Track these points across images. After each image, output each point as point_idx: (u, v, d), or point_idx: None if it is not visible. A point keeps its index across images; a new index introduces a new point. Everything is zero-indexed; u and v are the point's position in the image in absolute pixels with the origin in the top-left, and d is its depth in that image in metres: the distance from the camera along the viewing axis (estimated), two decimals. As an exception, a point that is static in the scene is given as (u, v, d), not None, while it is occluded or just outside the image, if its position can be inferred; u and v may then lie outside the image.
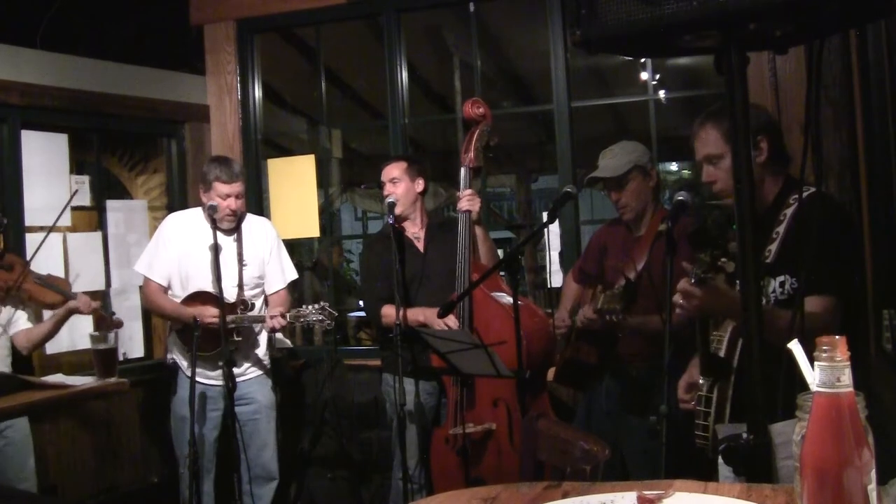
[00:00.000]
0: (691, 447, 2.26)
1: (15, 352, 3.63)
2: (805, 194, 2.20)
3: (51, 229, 3.73)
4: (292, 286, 4.14)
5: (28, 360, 3.95)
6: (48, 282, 3.58)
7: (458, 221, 3.56)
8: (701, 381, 2.26)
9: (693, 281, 2.05)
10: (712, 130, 2.29)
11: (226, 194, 3.67)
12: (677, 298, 2.12)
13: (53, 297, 3.54)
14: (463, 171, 3.58)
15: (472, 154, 3.58)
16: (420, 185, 3.79)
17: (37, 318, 3.65)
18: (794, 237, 2.16)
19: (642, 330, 3.05)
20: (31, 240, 4.00)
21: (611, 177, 3.21)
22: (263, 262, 3.85)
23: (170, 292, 3.77)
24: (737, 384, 2.18)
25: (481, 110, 3.62)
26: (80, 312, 3.56)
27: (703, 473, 2.06)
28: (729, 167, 2.23)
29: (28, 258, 3.63)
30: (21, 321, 3.57)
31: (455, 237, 3.54)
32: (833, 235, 2.14)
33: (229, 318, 3.56)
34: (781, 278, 2.16)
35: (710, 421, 2.19)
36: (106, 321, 3.68)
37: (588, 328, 3.15)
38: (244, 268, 3.73)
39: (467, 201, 3.53)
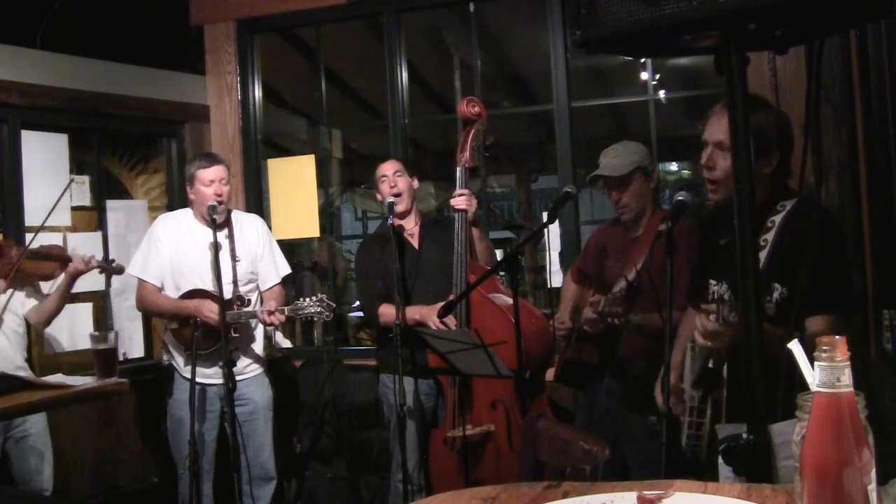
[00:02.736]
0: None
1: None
2: (791, 203, 2.19)
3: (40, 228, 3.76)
4: (290, 286, 4.14)
5: (28, 360, 3.96)
6: (41, 253, 3.61)
7: (453, 219, 3.56)
8: (692, 393, 2.26)
9: (720, 321, 2.01)
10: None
11: (209, 180, 3.66)
12: (700, 338, 2.10)
13: (49, 266, 3.59)
14: (458, 170, 3.57)
15: (467, 154, 3.57)
16: (415, 182, 3.83)
17: (36, 291, 3.70)
18: (784, 246, 2.14)
19: (644, 328, 3.05)
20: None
21: (613, 176, 3.20)
22: (256, 257, 3.86)
23: (163, 293, 3.77)
24: (730, 392, 2.17)
25: (476, 109, 3.62)
26: (82, 272, 3.60)
27: (701, 474, 2.06)
28: None
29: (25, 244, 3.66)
30: (22, 299, 3.63)
31: (450, 233, 3.54)
32: (828, 249, 2.10)
33: (227, 314, 3.56)
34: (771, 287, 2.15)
35: (704, 430, 2.19)
36: (108, 270, 3.74)
37: (591, 330, 3.15)
38: (237, 264, 3.73)
39: (464, 200, 3.52)
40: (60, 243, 4.22)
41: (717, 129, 2.28)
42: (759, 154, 2.17)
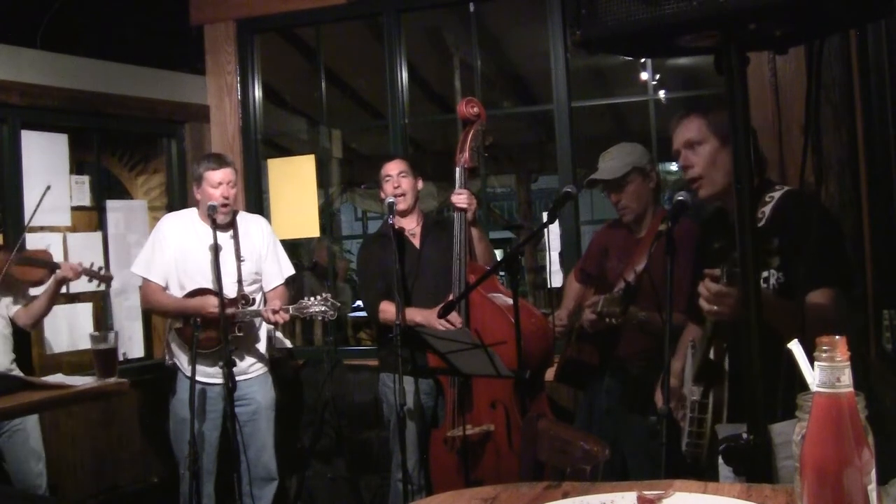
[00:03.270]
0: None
1: (17, 345, 3.67)
2: (779, 193, 2.23)
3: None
4: (292, 285, 4.15)
5: (28, 359, 3.96)
6: (30, 258, 3.63)
7: (453, 220, 3.56)
8: (692, 388, 2.26)
9: (724, 281, 1.95)
10: (695, 119, 2.31)
11: (217, 182, 3.66)
12: (705, 304, 2.04)
13: (38, 272, 3.60)
14: (458, 171, 3.58)
15: (466, 154, 3.57)
16: (419, 183, 3.83)
17: (23, 295, 3.69)
18: (776, 233, 2.16)
19: (646, 327, 3.05)
20: (31, 240, 4.01)
21: (610, 179, 3.21)
22: (261, 257, 3.86)
23: (168, 292, 3.77)
24: (731, 387, 2.17)
25: (475, 109, 3.62)
26: (69, 279, 3.60)
27: (701, 474, 2.06)
28: (708, 153, 2.26)
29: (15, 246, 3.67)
30: (7, 303, 3.62)
31: (450, 234, 3.54)
32: (824, 230, 2.14)
33: (230, 311, 3.57)
34: (765, 273, 2.16)
35: (705, 427, 2.19)
36: (97, 277, 3.72)
37: (591, 329, 3.16)
38: (242, 263, 3.74)
39: (464, 199, 3.52)
40: (60, 243, 4.23)
41: (682, 133, 2.34)
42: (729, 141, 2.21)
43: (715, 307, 2.02)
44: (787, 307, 1.96)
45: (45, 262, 3.63)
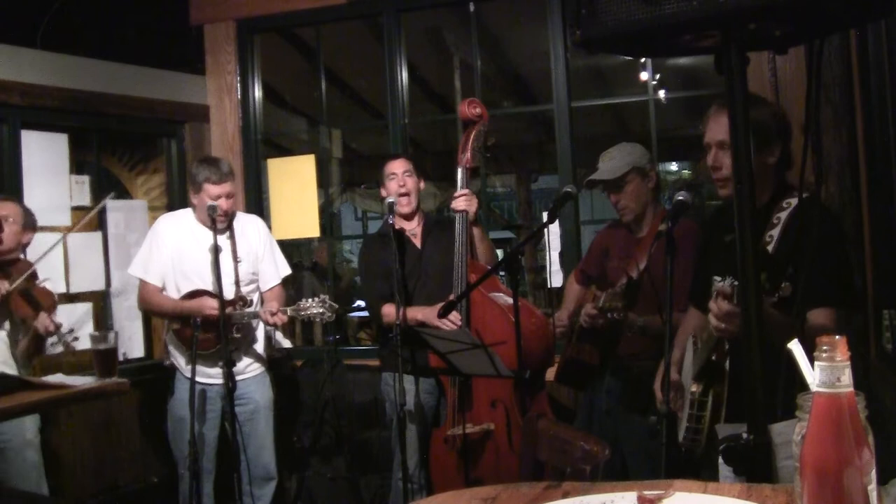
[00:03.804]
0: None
1: None
2: (797, 200, 2.20)
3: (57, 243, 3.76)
4: (290, 286, 4.15)
5: (28, 362, 3.94)
6: (31, 294, 3.51)
7: (454, 219, 3.56)
8: (691, 384, 2.26)
9: (735, 301, 1.93)
10: None
11: (216, 195, 3.64)
12: (714, 320, 2.03)
13: (27, 311, 3.48)
14: (460, 171, 3.58)
15: (468, 154, 3.58)
16: (422, 184, 3.84)
17: (13, 323, 3.57)
18: (788, 243, 2.15)
19: (646, 331, 3.06)
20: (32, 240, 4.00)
21: (609, 179, 3.22)
22: (257, 258, 3.86)
23: (164, 293, 3.78)
24: (731, 386, 2.17)
25: (477, 110, 3.62)
26: (40, 332, 3.45)
27: (699, 471, 2.06)
28: None
29: (33, 264, 3.58)
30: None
31: (451, 233, 3.54)
32: (831, 245, 2.12)
33: (229, 312, 3.56)
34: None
35: (703, 424, 2.19)
36: (64, 343, 3.51)
37: (592, 326, 3.16)
38: (239, 264, 3.74)
39: (464, 201, 3.52)
40: (60, 243, 4.22)
41: (717, 129, 2.30)
42: (763, 146, 2.20)
43: (723, 325, 2.03)
44: (786, 324, 1.94)
45: (38, 305, 3.49)
